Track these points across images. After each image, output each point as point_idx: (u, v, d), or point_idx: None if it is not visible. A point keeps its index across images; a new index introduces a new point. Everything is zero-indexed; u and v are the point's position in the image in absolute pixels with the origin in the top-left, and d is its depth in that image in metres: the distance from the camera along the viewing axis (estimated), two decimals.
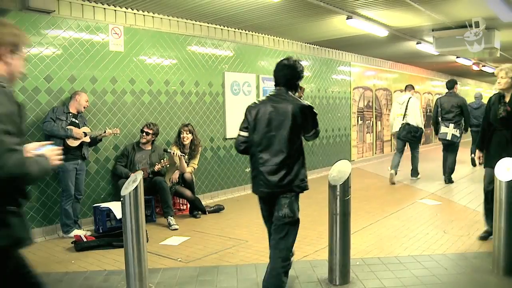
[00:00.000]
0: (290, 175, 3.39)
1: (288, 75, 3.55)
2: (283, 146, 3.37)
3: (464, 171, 10.43)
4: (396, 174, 9.00)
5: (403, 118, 9.07)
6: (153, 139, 6.47)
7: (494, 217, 4.13)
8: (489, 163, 4.78)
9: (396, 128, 9.19)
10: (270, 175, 3.40)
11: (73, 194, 5.60)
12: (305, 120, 3.46)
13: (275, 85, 3.64)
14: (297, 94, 3.69)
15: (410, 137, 9.03)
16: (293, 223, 3.47)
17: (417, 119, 9.07)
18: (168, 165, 6.48)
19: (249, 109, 3.58)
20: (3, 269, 2.07)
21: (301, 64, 3.62)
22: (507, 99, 4.75)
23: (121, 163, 6.30)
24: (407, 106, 9.05)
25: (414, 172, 9.53)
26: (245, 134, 3.60)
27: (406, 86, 9.68)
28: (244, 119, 3.60)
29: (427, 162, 11.68)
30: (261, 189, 3.48)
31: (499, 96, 4.84)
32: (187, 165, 6.66)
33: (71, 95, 5.70)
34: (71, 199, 5.59)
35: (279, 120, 3.40)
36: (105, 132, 5.79)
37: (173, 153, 6.39)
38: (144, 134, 6.36)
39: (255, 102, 3.63)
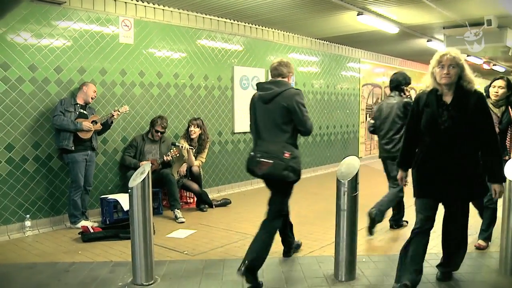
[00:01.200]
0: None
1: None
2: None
3: None
4: None
5: None
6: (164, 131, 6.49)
7: (502, 216, 4.10)
8: (423, 192, 3.52)
9: None
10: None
11: (82, 185, 5.62)
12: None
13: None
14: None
15: None
16: None
17: None
18: (177, 155, 6.48)
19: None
20: None
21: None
22: (447, 100, 3.32)
23: (130, 153, 6.32)
24: None
25: None
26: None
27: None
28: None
29: None
30: None
31: (436, 96, 3.36)
32: (195, 158, 6.68)
33: (79, 86, 5.72)
34: (80, 190, 5.62)
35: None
36: (112, 115, 5.79)
37: (182, 147, 6.41)
38: (159, 133, 6.36)
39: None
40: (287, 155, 3.63)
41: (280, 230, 4.23)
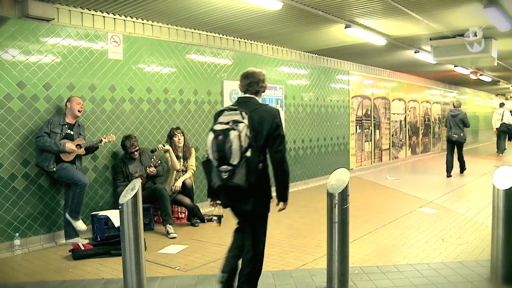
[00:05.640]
0: None
1: None
2: None
3: (460, 180, 10.44)
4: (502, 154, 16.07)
5: (501, 120, 16.06)
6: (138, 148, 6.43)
7: (492, 225, 4.13)
8: None
9: (498, 125, 16.24)
10: None
11: (87, 181, 5.60)
12: None
13: None
14: None
15: (504, 128, 16.16)
16: None
17: (509, 120, 16.16)
18: (159, 162, 6.44)
19: None
20: None
21: None
22: None
23: (120, 179, 6.27)
24: (503, 114, 16.12)
25: (502, 150, 16.41)
26: None
27: (500, 104, 17.29)
28: None
29: (424, 170, 11.69)
30: None
31: None
32: (185, 168, 6.70)
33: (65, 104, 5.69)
34: (86, 186, 5.58)
35: None
36: (101, 141, 5.78)
37: (158, 148, 6.39)
38: (135, 152, 6.32)
39: None
40: None
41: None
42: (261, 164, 3.34)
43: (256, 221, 3.52)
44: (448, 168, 10.95)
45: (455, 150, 11.05)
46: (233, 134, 3.15)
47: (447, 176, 10.83)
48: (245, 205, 3.38)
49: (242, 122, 3.21)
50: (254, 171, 3.21)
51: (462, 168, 11.24)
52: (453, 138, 10.85)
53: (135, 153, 6.31)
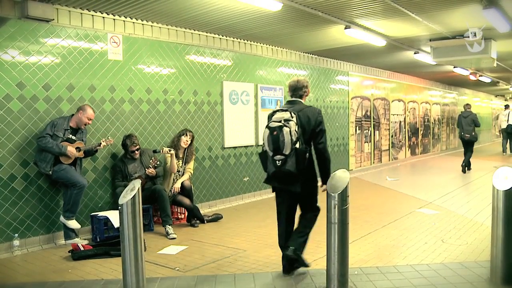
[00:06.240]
0: None
1: None
2: None
3: (460, 180, 10.45)
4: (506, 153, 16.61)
5: (507, 121, 16.30)
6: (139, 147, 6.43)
7: (492, 225, 4.13)
8: None
9: (504, 126, 16.55)
10: None
11: (85, 182, 5.60)
12: None
13: None
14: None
15: (510, 129, 16.28)
16: None
17: None
18: (158, 163, 6.43)
19: None
20: None
21: None
22: None
23: (119, 179, 6.27)
24: (508, 115, 16.33)
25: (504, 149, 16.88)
26: None
27: (506, 106, 17.42)
28: None
29: (424, 171, 11.68)
30: None
31: None
32: (183, 170, 6.69)
33: (78, 107, 5.70)
34: (84, 188, 5.58)
35: None
36: (100, 145, 5.78)
37: (162, 151, 6.39)
38: (136, 151, 6.31)
39: None
40: None
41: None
42: (308, 153, 4.20)
43: (307, 197, 4.44)
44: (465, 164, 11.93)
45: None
46: (285, 130, 4.04)
47: (463, 172, 11.78)
48: (294, 187, 4.20)
49: (292, 120, 4.10)
50: (302, 159, 4.10)
51: (468, 167, 11.97)
52: (466, 138, 11.80)
53: (136, 152, 6.30)
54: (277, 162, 4.09)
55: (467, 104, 12.49)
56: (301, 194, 4.27)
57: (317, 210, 4.54)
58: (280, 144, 4.03)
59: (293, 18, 6.78)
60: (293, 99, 4.48)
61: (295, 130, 4.06)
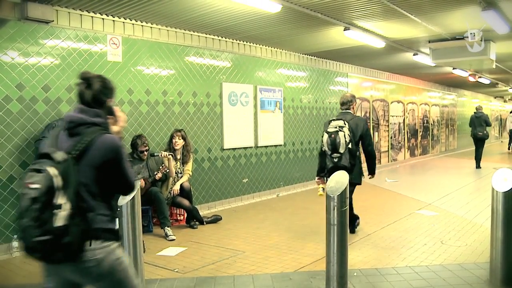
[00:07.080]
0: None
1: None
2: None
3: (460, 182, 10.45)
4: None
5: None
6: (148, 148, 6.43)
7: (491, 227, 4.13)
8: None
9: (511, 127, 18.76)
10: None
11: None
12: None
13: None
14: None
15: None
16: None
17: None
18: (167, 171, 6.42)
19: None
20: None
21: None
22: None
23: None
24: None
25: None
26: None
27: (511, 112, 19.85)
28: None
29: (423, 173, 11.65)
30: None
31: None
32: (181, 171, 6.68)
33: None
34: None
35: None
36: None
37: (161, 155, 6.35)
38: (145, 152, 6.32)
39: None
40: None
41: None
42: (358, 152, 5.53)
43: (355, 185, 5.63)
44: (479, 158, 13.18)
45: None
46: (340, 134, 5.35)
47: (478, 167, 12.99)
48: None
49: (344, 126, 5.40)
50: (353, 157, 5.42)
51: (478, 163, 13.10)
52: (478, 136, 13.01)
53: (145, 153, 6.30)
54: (334, 159, 5.42)
55: (479, 106, 13.77)
56: (350, 184, 4.77)
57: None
58: (337, 145, 5.33)
59: (292, 20, 6.79)
60: (344, 110, 5.71)
61: (348, 134, 5.33)
